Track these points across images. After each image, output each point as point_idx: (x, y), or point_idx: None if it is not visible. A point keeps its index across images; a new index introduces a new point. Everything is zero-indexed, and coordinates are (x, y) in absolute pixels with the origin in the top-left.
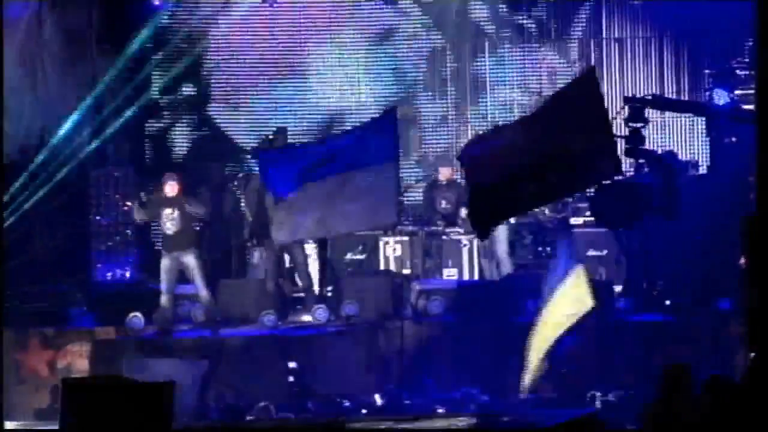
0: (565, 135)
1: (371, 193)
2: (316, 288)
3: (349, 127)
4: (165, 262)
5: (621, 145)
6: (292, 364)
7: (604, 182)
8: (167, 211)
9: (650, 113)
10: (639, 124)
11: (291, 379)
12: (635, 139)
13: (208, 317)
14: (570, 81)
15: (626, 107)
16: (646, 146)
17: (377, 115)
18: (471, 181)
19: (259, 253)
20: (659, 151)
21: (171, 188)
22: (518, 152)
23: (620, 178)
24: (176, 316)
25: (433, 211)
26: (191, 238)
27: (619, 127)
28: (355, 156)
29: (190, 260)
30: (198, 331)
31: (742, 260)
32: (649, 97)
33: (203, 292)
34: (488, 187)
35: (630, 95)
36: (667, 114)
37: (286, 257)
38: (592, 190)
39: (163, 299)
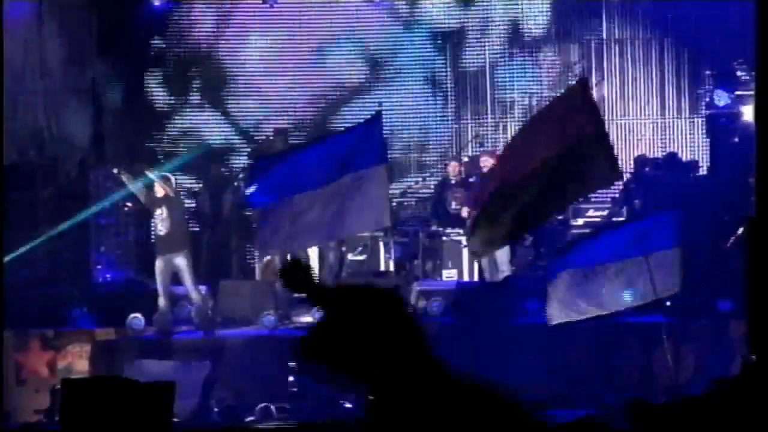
0: (559, 144)
1: (362, 197)
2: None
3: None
4: (158, 264)
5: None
6: (292, 365)
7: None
8: (158, 211)
9: (650, 114)
10: None
11: (291, 379)
12: None
13: (201, 318)
14: (561, 93)
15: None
16: (648, 147)
17: (362, 120)
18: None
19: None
20: (660, 153)
21: (158, 189)
22: (515, 166)
23: None
24: (176, 318)
25: (444, 212)
26: (182, 240)
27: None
28: (343, 161)
29: (181, 262)
30: (198, 332)
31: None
32: None
33: (194, 294)
34: (488, 210)
35: None
36: (667, 115)
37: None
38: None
39: (161, 302)
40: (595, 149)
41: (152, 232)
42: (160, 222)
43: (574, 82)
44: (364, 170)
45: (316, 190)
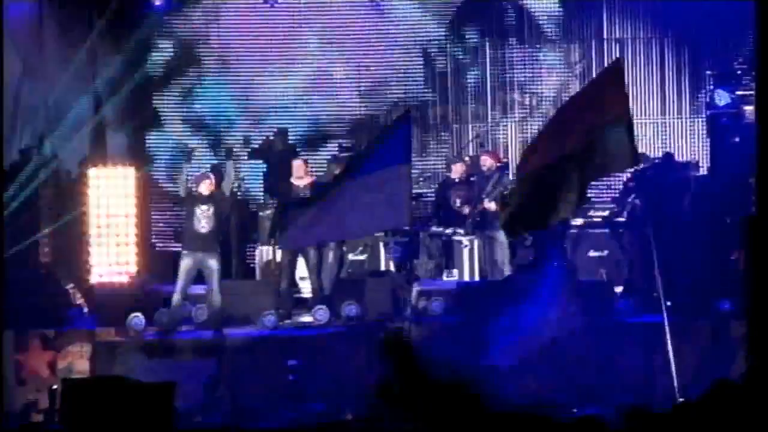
0: (586, 126)
1: (385, 195)
2: (326, 289)
3: (348, 127)
4: (187, 261)
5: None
6: (292, 364)
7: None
8: (203, 207)
9: (650, 114)
10: None
11: (291, 379)
12: None
13: (212, 319)
14: (596, 75)
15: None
16: (648, 147)
17: (393, 119)
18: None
19: (261, 254)
20: (660, 153)
21: (207, 186)
22: (547, 149)
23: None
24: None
25: (448, 209)
26: (218, 240)
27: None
28: (370, 160)
29: (213, 263)
30: (199, 332)
31: (735, 256)
32: None
33: (217, 297)
34: (520, 191)
35: None
36: (667, 115)
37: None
38: None
39: (176, 298)
40: (625, 131)
41: (192, 227)
42: (205, 219)
43: (608, 65)
44: (389, 169)
45: (340, 185)
